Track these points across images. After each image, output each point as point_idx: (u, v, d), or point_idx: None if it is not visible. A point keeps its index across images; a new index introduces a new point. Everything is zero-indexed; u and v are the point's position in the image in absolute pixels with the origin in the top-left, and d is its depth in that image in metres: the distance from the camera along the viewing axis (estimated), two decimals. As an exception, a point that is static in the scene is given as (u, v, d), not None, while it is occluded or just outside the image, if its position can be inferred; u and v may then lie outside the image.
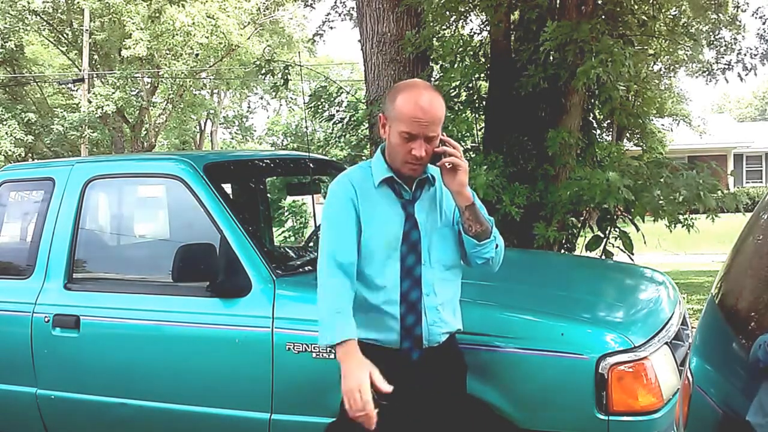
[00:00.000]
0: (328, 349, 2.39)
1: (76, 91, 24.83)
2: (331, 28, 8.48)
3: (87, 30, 22.79)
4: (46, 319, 3.12)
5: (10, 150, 21.73)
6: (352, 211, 2.13)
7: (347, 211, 2.13)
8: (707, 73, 7.25)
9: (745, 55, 6.87)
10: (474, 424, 2.30)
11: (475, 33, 6.28)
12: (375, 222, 2.13)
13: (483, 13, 5.88)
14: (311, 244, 4.04)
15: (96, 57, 24.48)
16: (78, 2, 22.00)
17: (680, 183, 4.95)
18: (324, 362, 2.47)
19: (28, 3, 21.26)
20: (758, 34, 7.14)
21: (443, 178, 2.12)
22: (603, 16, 5.53)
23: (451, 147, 2.08)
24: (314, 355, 2.53)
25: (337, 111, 6.62)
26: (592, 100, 5.80)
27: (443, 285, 2.16)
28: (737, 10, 7.20)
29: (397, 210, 2.14)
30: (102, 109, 22.22)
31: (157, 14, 21.22)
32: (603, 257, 5.11)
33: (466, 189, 2.09)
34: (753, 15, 7.27)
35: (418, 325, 2.11)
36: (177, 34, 21.07)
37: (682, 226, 5.12)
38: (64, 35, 24.48)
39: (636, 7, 6.01)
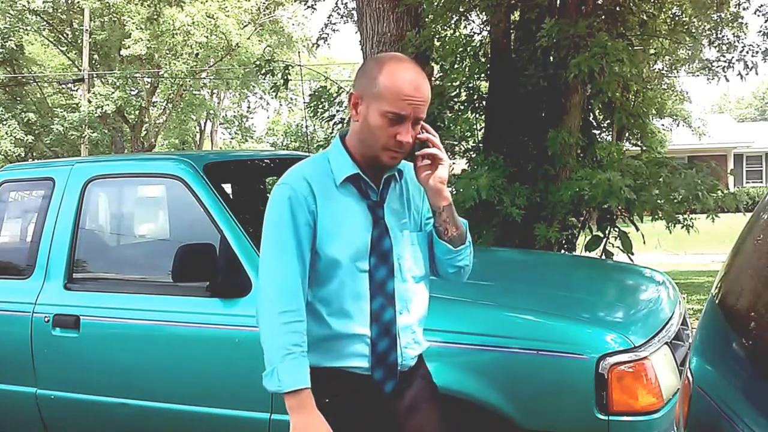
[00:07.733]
0: None
1: (76, 91, 24.85)
2: (335, 31, 8.45)
3: (87, 30, 22.80)
4: (46, 319, 3.12)
5: (10, 150, 21.78)
6: (307, 219, 1.71)
7: (300, 220, 1.70)
8: (708, 71, 7.25)
9: (746, 53, 6.86)
10: None
11: (475, 33, 6.28)
12: (337, 230, 1.73)
13: (483, 13, 5.88)
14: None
15: (96, 57, 24.50)
16: (78, 2, 22.02)
17: (678, 182, 4.96)
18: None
19: (28, 3, 21.28)
20: (760, 31, 7.13)
21: (418, 172, 1.76)
22: (603, 16, 5.53)
23: (432, 135, 1.74)
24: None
25: (338, 111, 6.63)
26: (592, 101, 5.80)
27: (416, 300, 1.81)
28: (738, 8, 7.20)
29: (363, 213, 1.75)
30: (102, 109, 22.25)
31: (156, 16, 21.24)
32: (603, 257, 5.11)
33: (445, 186, 1.76)
34: (755, 13, 7.27)
35: (393, 350, 1.75)
36: (177, 34, 21.10)
37: (682, 227, 5.12)
38: (64, 35, 24.51)
39: (635, 7, 6.01)
